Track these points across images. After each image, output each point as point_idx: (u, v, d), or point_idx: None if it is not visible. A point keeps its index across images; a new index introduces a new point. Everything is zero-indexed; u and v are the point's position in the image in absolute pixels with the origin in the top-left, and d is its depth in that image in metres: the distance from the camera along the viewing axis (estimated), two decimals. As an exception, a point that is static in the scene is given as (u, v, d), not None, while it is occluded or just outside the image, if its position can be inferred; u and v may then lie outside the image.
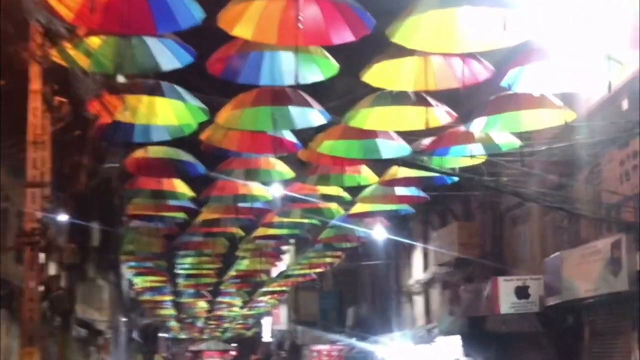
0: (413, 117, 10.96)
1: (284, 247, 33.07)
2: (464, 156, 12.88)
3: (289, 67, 9.66)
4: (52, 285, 16.84)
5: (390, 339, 30.73)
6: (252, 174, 14.72)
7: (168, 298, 43.91)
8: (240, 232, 23.37)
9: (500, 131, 11.84)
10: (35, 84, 13.62)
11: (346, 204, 18.39)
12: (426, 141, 13.12)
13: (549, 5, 8.39)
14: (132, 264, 31.91)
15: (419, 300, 30.74)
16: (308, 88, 10.50)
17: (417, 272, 30.75)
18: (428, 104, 10.77)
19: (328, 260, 31.34)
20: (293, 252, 43.82)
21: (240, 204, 17.09)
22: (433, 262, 27.43)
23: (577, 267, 15.69)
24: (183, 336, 76.37)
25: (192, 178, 15.02)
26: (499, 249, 22.20)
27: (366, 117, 11.09)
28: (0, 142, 16.08)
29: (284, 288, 42.36)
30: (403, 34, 8.39)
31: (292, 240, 34.78)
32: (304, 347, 45.93)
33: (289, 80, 9.98)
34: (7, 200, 17.91)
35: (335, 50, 9.54)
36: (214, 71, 9.83)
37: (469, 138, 12.16)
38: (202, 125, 11.87)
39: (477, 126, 11.45)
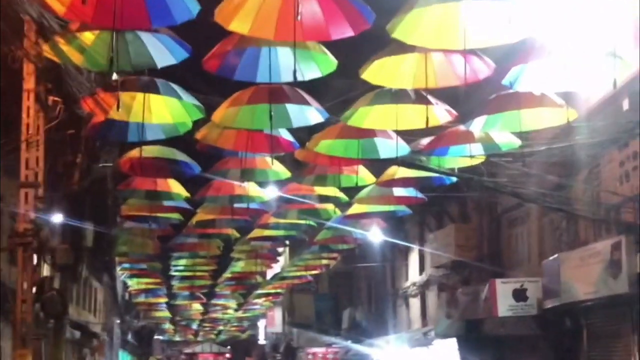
0: (413, 116, 10.84)
1: (280, 249, 32.93)
2: (463, 156, 12.75)
3: (287, 64, 9.51)
4: (45, 287, 16.66)
5: (386, 341, 30.55)
6: (248, 173, 14.56)
7: (162, 300, 43.76)
8: (236, 234, 23.27)
9: (500, 130, 11.72)
10: (29, 82, 13.47)
11: (343, 205, 18.23)
12: (425, 141, 12.98)
13: (552, 2, 8.26)
14: (126, 265, 31.79)
15: (415, 303, 30.57)
16: (305, 85, 10.35)
17: (414, 274, 30.59)
18: (428, 102, 10.64)
19: (324, 262, 31.22)
20: (288, 254, 43.65)
21: (236, 205, 16.94)
22: (430, 265, 27.29)
23: (576, 269, 15.55)
24: (177, 338, 76.44)
25: (187, 178, 14.88)
26: (496, 251, 22.04)
27: (365, 115, 10.97)
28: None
29: (278, 290, 42.23)
30: (404, 29, 8.25)
31: (287, 242, 34.66)
32: (299, 349, 45.78)
33: (286, 77, 9.83)
34: (0, 201, 17.72)
35: (334, 47, 9.39)
36: (210, 68, 9.69)
37: (468, 137, 12.03)
38: (198, 124, 11.73)
39: (477, 125, 11.31)
